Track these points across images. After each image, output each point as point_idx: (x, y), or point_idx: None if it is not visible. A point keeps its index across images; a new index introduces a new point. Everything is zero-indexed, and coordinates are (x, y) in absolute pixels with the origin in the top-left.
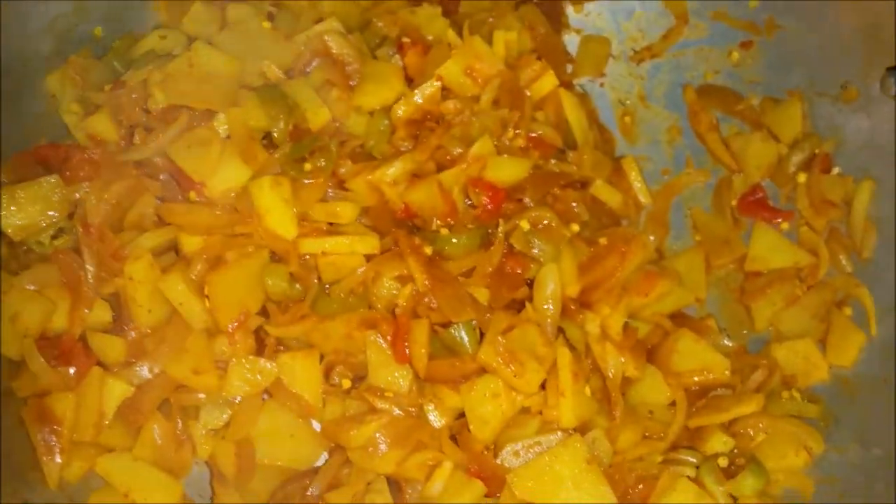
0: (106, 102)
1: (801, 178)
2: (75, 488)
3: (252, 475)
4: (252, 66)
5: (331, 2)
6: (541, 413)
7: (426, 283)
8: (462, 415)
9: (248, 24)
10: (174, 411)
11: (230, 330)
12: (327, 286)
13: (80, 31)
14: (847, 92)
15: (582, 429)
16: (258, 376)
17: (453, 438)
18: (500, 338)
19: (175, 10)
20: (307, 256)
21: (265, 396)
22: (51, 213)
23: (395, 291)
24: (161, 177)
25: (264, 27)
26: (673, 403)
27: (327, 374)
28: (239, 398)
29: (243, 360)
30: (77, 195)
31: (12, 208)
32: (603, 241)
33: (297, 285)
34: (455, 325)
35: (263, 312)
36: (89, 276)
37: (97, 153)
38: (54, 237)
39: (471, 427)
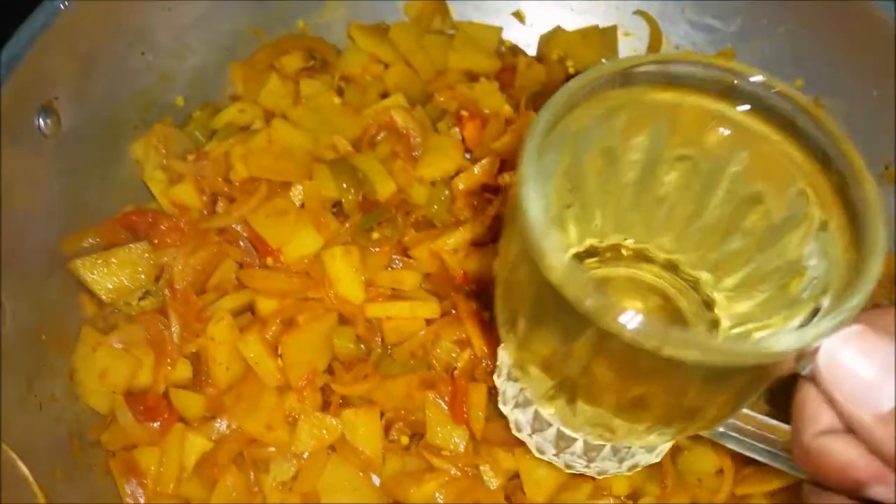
0: (189, 172)
1: None
2: None
3: None
4: (324, 139)
5: (395, 77)
6: (594, 479)
7: (484, 348)
8: (516, 476)
9: (320, 100)
10: (247, 464)
11: (299, 387)
12: (390, 348)
13: (163, 101)
14: (889, 172)
15: (634, 496)
16: (324, 432)
17: (507, 500)
18: None
19: (251, 83)
20: (372, 320)
21: (329, 451)
22: (140, 276)
23: (453, 354)
24: (241, 243)
25: (335, 102)
26: (720, 471)
27: (387, 431)
28: (307, 453)
29: (311, 417)
30: (165, 259)
31: (105, 272)
32: None
33: (363, 346)
34: None
35: (328, 370)
36: (174, 336)
37: (183, 221)
38: (141, 298)
39: (525, 490)
